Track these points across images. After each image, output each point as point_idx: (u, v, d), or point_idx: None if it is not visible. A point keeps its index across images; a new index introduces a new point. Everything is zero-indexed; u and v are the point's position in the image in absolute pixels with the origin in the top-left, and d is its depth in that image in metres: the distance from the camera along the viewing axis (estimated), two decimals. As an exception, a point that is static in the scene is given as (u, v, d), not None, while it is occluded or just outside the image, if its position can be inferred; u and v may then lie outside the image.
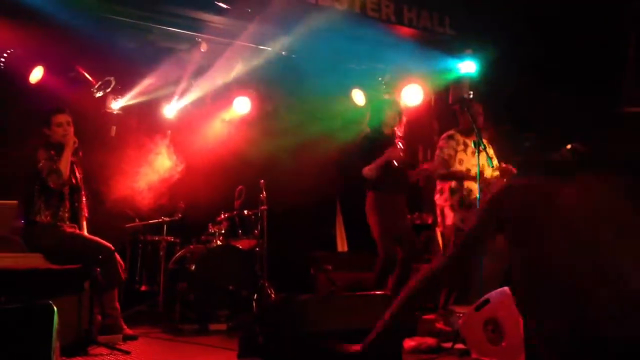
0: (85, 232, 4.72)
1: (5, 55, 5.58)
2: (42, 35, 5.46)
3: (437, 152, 5.37)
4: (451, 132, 5.39)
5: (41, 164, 4.44)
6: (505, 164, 5.19)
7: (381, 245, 5.10)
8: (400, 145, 5.19)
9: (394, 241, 5.14)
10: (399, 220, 5.19)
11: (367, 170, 5.07)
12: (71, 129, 4.66)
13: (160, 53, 6.09)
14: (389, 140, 5.22)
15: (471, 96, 5.03)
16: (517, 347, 3.38)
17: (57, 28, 5.23)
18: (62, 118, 4.66)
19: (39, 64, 5.74)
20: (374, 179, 5.08)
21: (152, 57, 6.10)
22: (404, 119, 5.39)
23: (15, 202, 4.45)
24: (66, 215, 4.57)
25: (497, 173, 5.28)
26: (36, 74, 5.75)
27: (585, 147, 4.58)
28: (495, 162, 5.40)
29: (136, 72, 6.22)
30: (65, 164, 4.51)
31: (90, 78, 6.04)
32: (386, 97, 5.52)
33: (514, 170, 5.06)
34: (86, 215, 4.78)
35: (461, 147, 5.31)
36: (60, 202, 4.55)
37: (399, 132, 5.33)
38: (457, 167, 5.25)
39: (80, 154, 4.73)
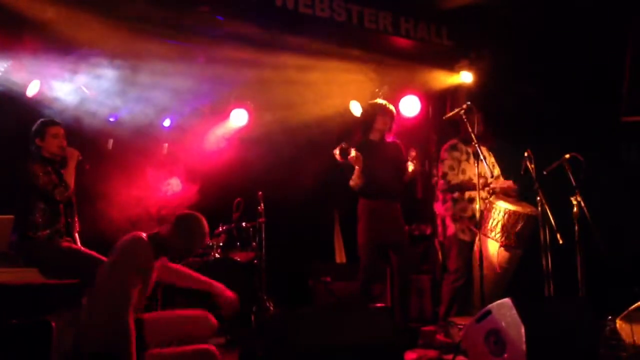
0: (80, 246, 4.68)
1: (1, 68, 5.56)
2: (39, 48, 5.46)
3: (440, 164, 5.31)
4: (454, 141, 5.33)
5: (42, 180, 4.37)
6: (503, 180, 5.16)
7: (362, 253, 5.03)
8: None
9: (377, 251, 5.03)
10: (387, 229, 5.03)
11: (351, 181, 4.98)
12: (65, 142, 4.63)
13: (159, 65, 6.08)
14: (375, 146, 5.13)
15: (470, 106, 4.95)
16: (519, 358, 3.35)
17: (54, 41, 5.23)
18: (58, 130, 4.61)
19: (36, 78, 5.73)
20: (360, 186, 4.96)
21: (150, 69, 6.10)
22: (394, 125, 5.23)
23: (11, 216, 4.43)
24: (62, 229, 4.54)
25: (496, 184, 5.23)
26: (33, 88, 5.74)
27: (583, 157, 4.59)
28: (496, 170, 5.37)
29: (133, 84, 6.22)
30: (70, 176, 4.49)
31: (87, 91, 6.03)
32: (378, 101, 5.37)
33: (513, 187, 5.04)
34: (78, 229, 4.74)
35: (464, 156, 5.24)
36: (56, 217, 4.49)
37: (387, 138, 5.20)
38: (460, 176, 5.19)
39: (87, 167, 4.68)
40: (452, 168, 5.19)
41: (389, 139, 5.23)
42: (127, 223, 5.93)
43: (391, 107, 5.25)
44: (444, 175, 5.20)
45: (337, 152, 4.93)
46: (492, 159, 5.42)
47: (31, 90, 5.74)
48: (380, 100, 5.37)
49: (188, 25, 5.54)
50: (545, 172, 4.76)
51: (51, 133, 4.57)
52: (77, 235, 4.71)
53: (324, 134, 7.48)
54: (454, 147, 5.27)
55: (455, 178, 5.17)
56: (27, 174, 4.40)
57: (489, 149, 5.41)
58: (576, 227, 4.61)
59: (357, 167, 4.90)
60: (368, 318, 3.32)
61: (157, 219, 6.05)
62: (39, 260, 4.34)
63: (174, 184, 6.18)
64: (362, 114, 5.49)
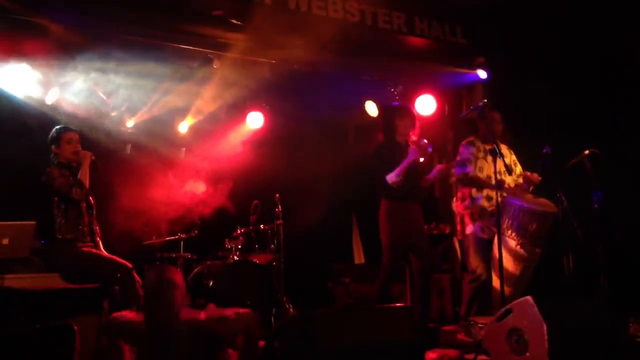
0: (102, 250, 4.73)
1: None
2: (56, 56, 5.51)
3: (457, 157, 5.28)
4: (471, 138, 5.30)
5: (58, 181, 4.47)
6: (530, 173, 5.11)
7: (385, 254, 5.01)
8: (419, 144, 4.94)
9: (401, 252, 5.02)
10: (411, 230, 5.02)
11: (394, 177, 4.90)
12: (80, 147, 4.70)
13: (174, 70, 6.12)
14: (403, 147, 5.09)
15: (486, 104, 4.90)
16: (541, 356, 3.33)
17: (70, 48, 5.28)
18: (72, 135, 4.71)
19: (55, 85, 5.79)
20: (400, 184, 4.90)
21: (165, 74, 6.14)
22: (417, 125, 5.20)
23: (33, 222, 4.48)
24: (86, 229, 4.60)
25: (520, 180, 5.20)
26: (52, 95, 5.81)
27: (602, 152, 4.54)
28: (518, 168, 5.33)
29: (150, 89, 6.26)
30: (84, 176, 4.57)
31: (105, 97, 6.09)
32: (397, 104, 5.37)
33: (538, 179, 5.00)
34: (99, 234, 4.80)
35: (481, 154, 5.20)
36: (79, 218, 4.57)
37: (413, 137, 5.14)
38: (478, 174, 5.16)
39: (100, 167, 4.75)
40: (469, 161, 5.17)
41: (414, 138, 5.18)
42: (143, 227, 5.98)
43: (409, 108, 5.25)
44: (463, 165, 5.17)
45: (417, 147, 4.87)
46: (514, 157, 5.38)
47: (50, 98, 5.80)
48: (397, 104, 5.36)
49: (203, 29, 5.57)
50: (565, 169, 4.72)
51: (65, 139, 4.67)
52: (99, 239, 4.76)
53: (340, 135, 7.49)
54: (471, 144, 5.25)
55: (473, 173, 5.14)
56: (45, 178, 4.50)
57: (509, 147, 5.37)
58: (597, 224, 4.55)
59: (408, 162, 4.82)
60: (388, 318, 3.31)
61: (170, 222, 6.09)
62: (60, 265, 4.39)
63: (192, 188, 6.21)
64: (381, 117, 5.47)
